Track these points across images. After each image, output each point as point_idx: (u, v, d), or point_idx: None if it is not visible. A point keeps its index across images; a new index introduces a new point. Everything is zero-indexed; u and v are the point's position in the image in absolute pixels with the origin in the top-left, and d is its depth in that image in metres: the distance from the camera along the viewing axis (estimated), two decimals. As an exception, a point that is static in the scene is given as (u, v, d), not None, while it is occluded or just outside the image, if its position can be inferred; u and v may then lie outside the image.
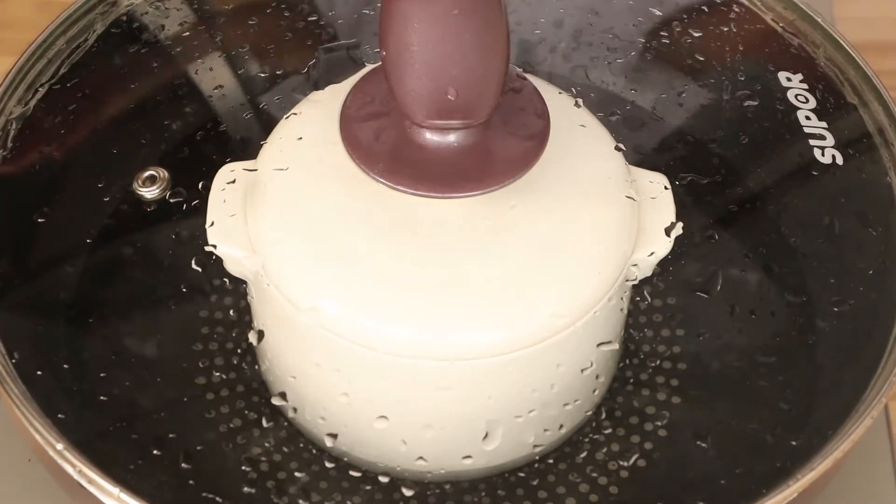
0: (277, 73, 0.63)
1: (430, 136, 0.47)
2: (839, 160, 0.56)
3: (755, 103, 0.60)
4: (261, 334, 0.54)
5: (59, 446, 0.46)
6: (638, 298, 0.58)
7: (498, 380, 0.49)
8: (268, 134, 0.52)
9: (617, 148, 0.52)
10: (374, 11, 0.63)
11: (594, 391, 0.54)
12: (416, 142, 0.47)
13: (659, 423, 0.55)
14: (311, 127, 0.51)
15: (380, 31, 0.46)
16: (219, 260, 0.51)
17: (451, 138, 0.47)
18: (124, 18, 0.59)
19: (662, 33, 0.62)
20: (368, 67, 0.52)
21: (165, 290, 0.58)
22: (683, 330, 0.57)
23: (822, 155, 0.56)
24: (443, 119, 0.46)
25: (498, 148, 0.48)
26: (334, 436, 0.53)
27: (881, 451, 0.57)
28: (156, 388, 0.55)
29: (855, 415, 0.48)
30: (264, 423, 0.55)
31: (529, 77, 0.51)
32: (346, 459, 0.54)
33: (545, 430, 0.53)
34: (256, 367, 0.56)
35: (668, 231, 0.51)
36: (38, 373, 0.51)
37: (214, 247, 0.50)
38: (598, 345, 0.51)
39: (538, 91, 0.50)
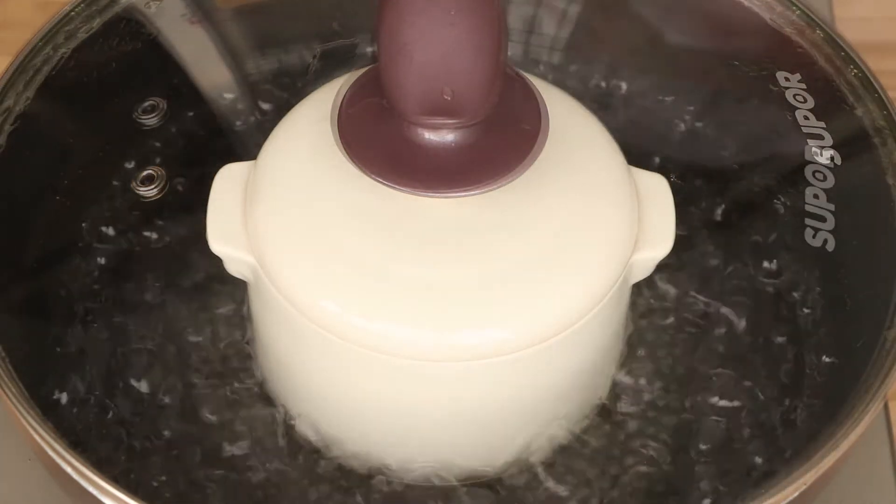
0: (277, 72, 0.63)
1: (428, 136, 0.47)
2: (837, 160, 0.56)
3: (753, 103, 0.60)
4: (260, 334, 0.54)
5: (59, 446, 0.46)
6: (638, 299, 0.58)
7: (498, 380, 0.49)
8: (267, 134, 0.52)
9: (616, 148, 0.52)
10: (373, 10, 0.63)
11: (594, 392, 0.54)
12: (414, 141, 0.47)
13: (659, 424, 0.55)
14: (311, 127, 0.51)
15: (375, 29, 0.46)
16: (218, 260, 0.51)
17: (449, 137, 0.47)
18: (122, 16, 0.59)
19: (662, 34, 0.62)
20: (366, 67, 0.52)
21: (165, 289, 0.58)
22: (683, 330, 0.57)
23: (821, 155, 0.56)
24: (439, 118, 0.46)
25: (496, 147, 0.48)
26: (333, 435, 0.53)
27: (881, 450, 0.57)
28: (156, 388, 0.55)
29: (855, 414, 0.48)
30: (264, 423, 0.55)
31: (528, 76, 0.51)
32: (344, 459, 0.54)
33: (546, 430, 0.53)
34: (256, 367, 0.56)
35: (667, 232, 0.51)
36: (38, 373, 0.51)
37: (214, 247, 0.50)
38: (599, 345, 0.51)
39: (537, 90, 0.50)
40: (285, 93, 0.63)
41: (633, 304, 0.57)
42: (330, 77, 0.54)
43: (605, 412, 0.55)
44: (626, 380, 0.56)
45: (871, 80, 0.56)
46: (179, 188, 0.60)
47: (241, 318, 0.57)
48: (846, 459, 0.48)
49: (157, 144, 0.61)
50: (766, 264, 0.58)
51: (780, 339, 0.56)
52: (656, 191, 0.51)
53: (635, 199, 0.51)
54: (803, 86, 0.58)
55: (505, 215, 0.48)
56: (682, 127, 0.62)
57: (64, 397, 0.53)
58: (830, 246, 0.55)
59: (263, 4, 0.64)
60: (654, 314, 0.58)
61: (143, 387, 0.55)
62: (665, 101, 0.63)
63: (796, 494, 0.46)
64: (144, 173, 0.60)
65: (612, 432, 0.55)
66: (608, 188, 0.50)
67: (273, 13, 0.64)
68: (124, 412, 0.54)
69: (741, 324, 0.57)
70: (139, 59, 0.60)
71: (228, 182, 0.51)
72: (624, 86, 0.64)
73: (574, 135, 0.51)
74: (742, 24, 0.60)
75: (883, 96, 0.56)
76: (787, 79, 0.58)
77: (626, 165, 0.52)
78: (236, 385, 0.56)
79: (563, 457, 0.54)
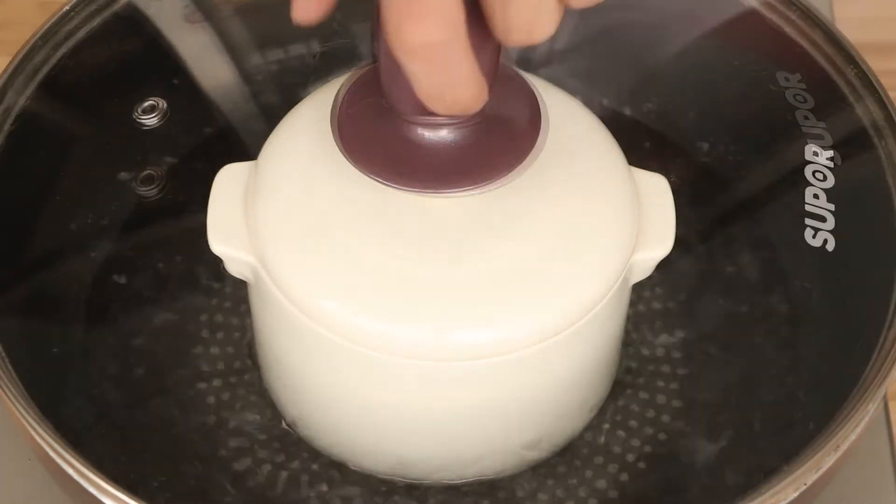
0: (278, 72, 0.63)
1: (427, 135, 0.47)
2: (837, 160, 0.56)
3: (753, 103, 0.60)
4: (260, 334, 0.54)
5: (59, 446, 0.46)
6: (637, 299, 0.58)
7: (498, 380, 0.49)
8: (268, 134, 0.52)
9: (617, 148, 0.52)
10: (373, 10, 0.63)
11: (595, 392, 0.54)
12: (413, 140, 0.47)
13: (659, 425, 0.55)
14: (311, 126, 0.51)
15: (373, 27, 0.46)
16: (219, 261, 0.51)
17: (448, 136, 0.47)
18: (122, 15, 0.59)
19: (661, 34, 0.62)
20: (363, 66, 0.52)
21: (166, 290, 0.58)
22: (683, 331, 0.57)
23: (819, 155, 0.56)
24: (437, 116, 0.46)
25: (495, 146, 0.48)
26: (333, 434, 0.53)
27: (881, 451, 0.57)
28: (156, 388, 0.55)
29: (855, 415, 0.48)
30: (265, 424, 0.55)
31: (528, 76, 0.51)
32: (345, 461, 0.54)
33: (546, 431, 0.53)
34: (257, 366, 0.56)
35: (667, 232, 0.51)
36: (38, 373, 0.51)
37: (214, 248, 0.50)
38: (599, 345, 0.51)
39: (536, 89, 0.50)
40: (285, 93, 0.63)
41: (632, 303, 0.57)
42: (330, 76, 0.54)
43: (605, 412, 0.55)
44: (626, 380, 0.56)
45: (872, 79, 0.56)
46: (179, 188, 0.60)
47: (242, 318, 0.57)
48: (846, 459, 0.48)
49: (157, 144, 0.61)
50: (765, 265, 0.58)
51: (779, 339, 0.56)
52: (656, 191, 0.51)
53: (636, 198, 0.51)
54: (803, 86, 0.58)
55: (505, 215, 0.48)
56: (682, 128, 0.62)
57: (64, 397, 0.53)
58: (830, 246, 0.55)
59: (264, 2, 0.63)
60: (654, 315, 0.58)
61: (144, 387, 0.55)
62: (663, 102, 0.63)
63: (796, 494, 0.46)
64: (144, 173, 0.60)
65: (612, 432, 0.55)
66: (608, 188, 0.50)
67: (273, 11, 0.63)
68: (124, 412, 0.54)
69: (740, 324, 0.57)
70: (139, 58, 0.60)
71: (228, 183, 0.51)
72: (622, 86, 0.64)
73: (574, 134, 0.51)
74: (742, 24, 0.60)
75: (883, 96, 0.56)
76: (786, 79, 0.58)
77: (626, 165, 0.52)
78: (236, 385, 0.56)
79: (564, 457, 0.54)
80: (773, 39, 0.59)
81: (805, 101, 0.58)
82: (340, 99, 0.49)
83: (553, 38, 0.63)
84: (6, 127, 0.55)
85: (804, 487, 0.46)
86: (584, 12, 0.63)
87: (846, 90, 0.57)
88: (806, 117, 0.57)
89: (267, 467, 0.54)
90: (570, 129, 0.51)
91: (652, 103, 0.63)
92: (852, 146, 0.56)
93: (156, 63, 0.61)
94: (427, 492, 0.53)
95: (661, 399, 0.56)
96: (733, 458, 0.53)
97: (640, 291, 0.58)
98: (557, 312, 0.48)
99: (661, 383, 0.56)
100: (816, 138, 0.57)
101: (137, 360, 0.56)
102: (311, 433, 0.54)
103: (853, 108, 0.57)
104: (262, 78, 0.63)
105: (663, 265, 0.51)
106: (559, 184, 0.49)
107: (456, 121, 0.47)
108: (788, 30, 0.59)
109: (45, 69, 0.57)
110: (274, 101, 0.62)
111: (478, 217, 0.48)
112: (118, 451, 0.53)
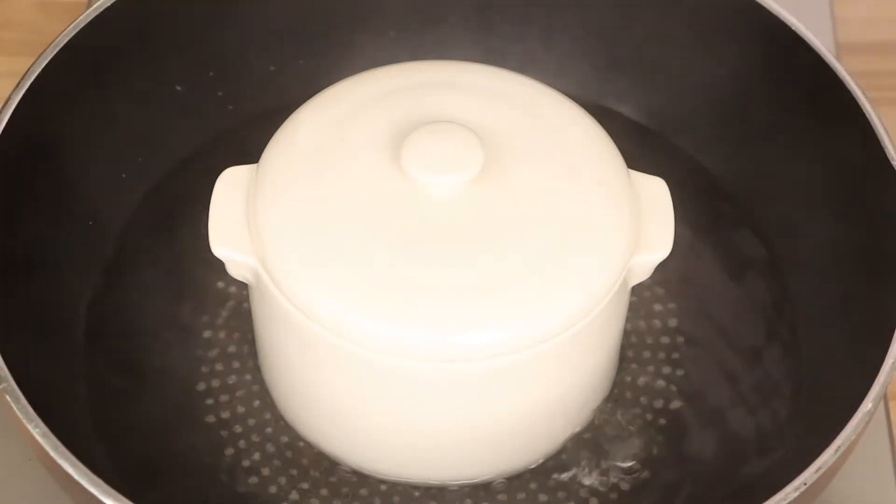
0: (279, 73, 0.63)
1: None
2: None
3: (752, 106, 0.60)
4: (261, 336, 0.54)
5: (59, 446, 0.46)
6: (638, 301, 0.58)
7: (499, 382, 0.49)
8: (269, 137, 0.52)
9: (616, 151, 0.52)
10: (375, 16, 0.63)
11: (594, 394, 0.54)
12: None
13: (658, 426, 0.55)
14: (313, 129, 0.51)
15: None
16: (221, 263, 0.51)
17: None
18: (120, 15, 0.59)
19: (667, 37, 0.62)
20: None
21: (167, 292, 0.58)
22: (682, 333, 0.57)
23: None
24: None
25: None
26: (335, 436, 0.53)
27: (881, 451, 0.57)
28: (157, 388, 0.55)
29: (855, 415, 0.48)
30: (266, 427, 0.55)
31: (527, 79, 0.51)
32: (345, 461, 0.54)
33: (546, 432, 0.53)
34: (258, 368, 0.56)
35: (666, 234, 0.51)
36: (39, 373, 0.51)
37: (216, 251, 0.50)
38: (598, 347, 0.52)
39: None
40: (287, 95, 0.62)
41: (632, 304, 0.57)
42: (332, 79, 0.54)
43: (604, 413, 0.55)
44: (626, 380, 0.56)
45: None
46: (180, 188, 0.60)
47: (243, 319, 0.57)
48: (846, 459, 0.48)
49: (159, 147, 0.61)
50: (766, 265, 0.58)
51: (779, 340, 0.56)
52: (656, 194, 0.51)
53: (635, 201, 0.51)
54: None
55: (505, 217, 0.48)
56: (681, 129, 0.62)
57: (64, 397, 0.53)
58: (830, 244, 0.55)
59: (267, 2, 0.63)
60: (654, 316, 0.58)
61: (143, 387, 0.55)
62: (662, 103, 0.63)
63: (796, 494, 0.46)
64: (145, 173, 0.59)
65: (612, 433, 0.55)
66: (608, 190, 0.50)
67: (277, 12, 0.63)
68: (124, 412, 0.54)
69: (738, 325, 0.57)
70: (140, 61, 0.60)
71: (230, 186, 0.51)
72: (621, 87, 0.63)
73: (575, 138, 0.51)
74: (745, 22, 0.60)
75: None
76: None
77: (625, 168, 0.52)
78: (237, 386, 0.56)
79: (564, 458, 0.54)
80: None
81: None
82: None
83: (553, 40, 0.63)
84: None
85: (804, 487, 0.46)
86: (587, 15, 0.62)
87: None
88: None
89: (267, 468, 0.54)
90: (570, 132, 0.51)
91: (650, 105, 0.63)
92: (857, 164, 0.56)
93: (157, 67, 0.61)
94: (427, 493, 0.53)
95: (660, 401, 0.56)
96: (733, 459, 0.53)
97: (640, 292, 0.58)
98: (557, 314, 0.48)
99: (660, 384, 0.56)
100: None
101: (137, 360, 0.56)
102: (312, 434, 0.54)
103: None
104: (266, 79, 0.63)
105: (662, 267, 0.52)
106: (559, 186, 0.50)
107: None
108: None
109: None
110: (276, 102, 0.62)
111: (480, 219, 0.48)
112: (118, 451, 0.53)
